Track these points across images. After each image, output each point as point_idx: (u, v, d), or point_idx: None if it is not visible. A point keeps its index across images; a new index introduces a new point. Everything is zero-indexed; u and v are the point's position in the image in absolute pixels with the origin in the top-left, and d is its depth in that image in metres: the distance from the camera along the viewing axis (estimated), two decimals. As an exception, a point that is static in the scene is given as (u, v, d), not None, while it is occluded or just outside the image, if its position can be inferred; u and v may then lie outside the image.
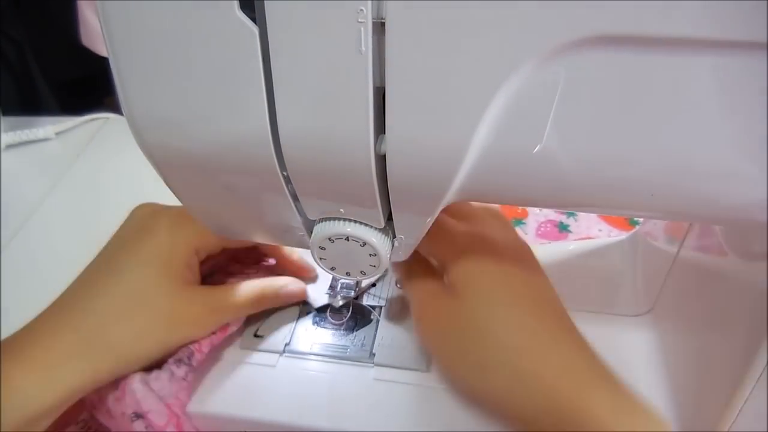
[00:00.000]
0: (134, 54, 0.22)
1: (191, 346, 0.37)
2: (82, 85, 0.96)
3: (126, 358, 0.34)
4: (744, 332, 0.31)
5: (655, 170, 0.22)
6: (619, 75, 0.20)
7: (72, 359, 0.32)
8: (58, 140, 0.70)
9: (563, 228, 0.56)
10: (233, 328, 0.40)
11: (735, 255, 0.33)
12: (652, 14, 0.18)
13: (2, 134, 0.68)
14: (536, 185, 0.24)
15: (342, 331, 0.41)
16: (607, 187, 0.23)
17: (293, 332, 0.40)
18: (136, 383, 0.34)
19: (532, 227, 0.57)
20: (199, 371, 0.38)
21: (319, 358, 0.39)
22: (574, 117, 0.21)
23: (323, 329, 0.41)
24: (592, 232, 0.56)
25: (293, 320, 0.41)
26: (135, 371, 0.35)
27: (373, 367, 0.38)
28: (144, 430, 0.33)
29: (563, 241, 0.55)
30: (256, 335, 0.40)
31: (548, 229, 0.56)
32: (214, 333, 0.38)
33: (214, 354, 0.39)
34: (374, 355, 0.39)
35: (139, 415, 0.33)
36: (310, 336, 0.40)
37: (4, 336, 0.33)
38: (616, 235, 0.53)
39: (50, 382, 0.31)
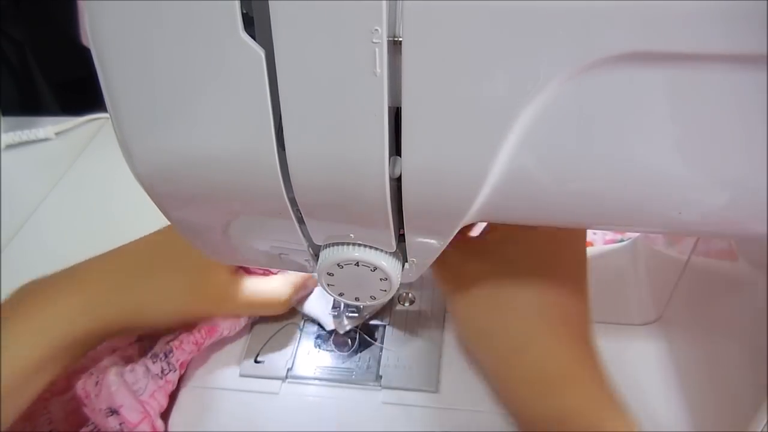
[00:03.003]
0: (130, 80, 0.20)
1: (170, 343, 0.35)
2: (82, 85, 0.95)
3: (133, 312, 0.33)
4: (761, 340, 0.29)
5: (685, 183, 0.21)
6: (648, 91, 0.19)
7: (72, 312, 0.32)
8: (58, 140, 0.70)
9: (558, 232, 0.54)
10: (224, 332, 0.37)
11: (746, 260, 0.31)
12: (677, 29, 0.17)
13: (2, 134, 0.67)
14: (562, 203, 0.23)
15: (345, 353, 0.39)
16: (628, 202, 0.22)
17: (294, 356, 0.39)
18: (111, 376, 0.33)
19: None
20: (193, 397, 0.36)
21: (324, 382, 0.37)
22: (598, 135, 0.20)
23: (326, 352, 0.39)
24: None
25: (294, 343, 0.39)
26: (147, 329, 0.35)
27: (380, 389, 0.37)
28: (118, 426, 0.32)
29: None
30: (256, 361, 0.38)
31: (542, 233, 0.54)
32: (205, 328, 0.36)
33: (210, 381, 0.38)
34: (381, 377, 0.37)
35: (113, 411, 0.32)
36: (313, 359, 0.38)
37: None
38: (611, 239, 0.51)
39: (41, 335, 0.31)
